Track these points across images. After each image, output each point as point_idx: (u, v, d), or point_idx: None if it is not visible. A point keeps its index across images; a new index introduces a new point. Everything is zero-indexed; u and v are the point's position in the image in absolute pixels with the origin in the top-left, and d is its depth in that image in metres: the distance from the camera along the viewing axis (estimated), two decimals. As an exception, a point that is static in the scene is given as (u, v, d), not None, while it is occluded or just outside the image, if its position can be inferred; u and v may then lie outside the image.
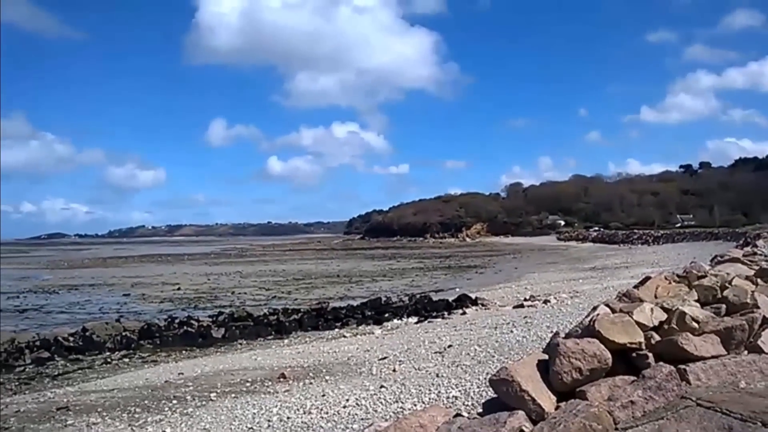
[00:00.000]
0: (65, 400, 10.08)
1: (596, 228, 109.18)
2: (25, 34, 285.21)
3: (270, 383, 9.92)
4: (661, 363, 3.48)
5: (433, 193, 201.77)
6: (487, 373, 7.84)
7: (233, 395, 9.24)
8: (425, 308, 21.28)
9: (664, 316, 3.94)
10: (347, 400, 7.74)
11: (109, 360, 15.81)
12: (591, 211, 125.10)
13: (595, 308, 4.21)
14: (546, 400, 3.26)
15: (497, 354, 9.57)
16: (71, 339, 17.43)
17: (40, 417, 8.96)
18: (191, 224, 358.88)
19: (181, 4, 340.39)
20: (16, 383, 13.42)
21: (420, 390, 7.71)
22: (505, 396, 3.37)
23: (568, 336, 3.84)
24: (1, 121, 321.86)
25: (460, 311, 19.62)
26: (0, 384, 13.41)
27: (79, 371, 14.55)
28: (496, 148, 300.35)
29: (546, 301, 17.96)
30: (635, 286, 4.96)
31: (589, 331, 3.66)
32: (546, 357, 3.58)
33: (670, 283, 5.03)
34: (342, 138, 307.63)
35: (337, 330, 18.75)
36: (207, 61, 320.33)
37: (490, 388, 6.13)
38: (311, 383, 9.56)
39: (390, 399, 7.50)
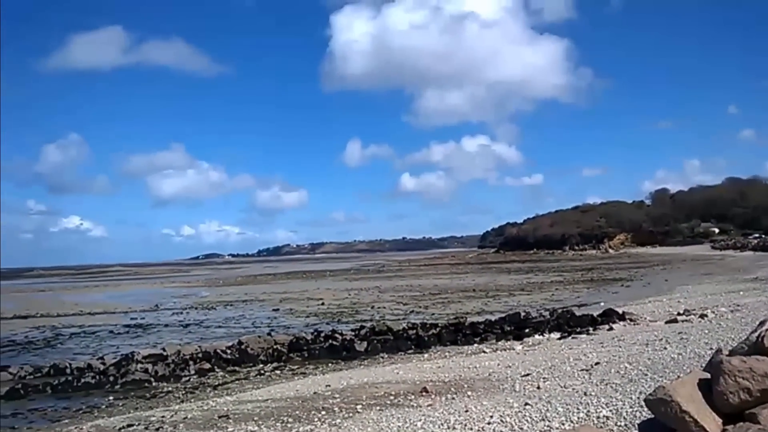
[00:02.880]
0: (225, 408, 10.81)
1: (756, 235, 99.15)
2: (182, 74, 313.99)
3: (413, 397, 10.05)
4: None
5: (570, 203, 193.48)
6: (641, 393, 7.44)
7: (378, 408, 9.46)
8: (568, 323, 20.50)
9: None
10: (491, 417, 7.65)
11: (262, 372, 16.84)
12: (749, 217, 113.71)
13: (762, 323, 3.88)
14: (710, 422, 3.06)
15: (650, 372, 9.03)
16: (228, 351, 18.77)
17: (204, 424, 9.67)
18: (332, 242, 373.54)
19: (316, 35, 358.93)
20: (183, 392, 14.69)
21: (567, 408, 7.45)
22: (663, 417, 3.21)
23: (732, 353, 3.58)
24: (164, 153, 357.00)
25: (607, 327, 18.69)
26: (169, 392, 14.77)
27: (236, 382, 15.63)
28: (637, 153, 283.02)
29: (702, 316, 16.65)
30: (810, 300, 4.50)
31: (757, 348, 3.39)
32: (707, 376, 3.37)
33: None
34: (472, 151, 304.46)
35: (476, 345, 18.61)
36: (341, 87, 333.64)
37: (645, 408, 5.81)
38: (453, 398, 9.57)
39: (536, 417, 7.32)
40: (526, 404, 8.04)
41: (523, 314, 24.36)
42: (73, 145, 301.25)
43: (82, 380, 16.12)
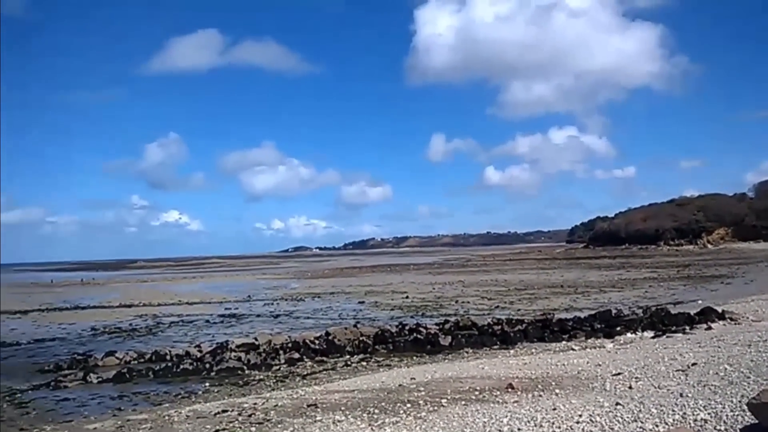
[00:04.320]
0: (314, 397, 11.09)
1: None
2: (274, 74, 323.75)
3: (498, 393, 9.96)
4: None
5: (665, 196, 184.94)
6: (743, 396, 7.07)
7: (463, 402, 9.44)
8: (662, 322, 19.64)
9: None
10: (580, 416, 7.47)
11: (349, 362, 17.17)
12: None
13: None
14: (820, 430, 2.88)
15: (753, 375, 8.51)
16: (316, 342, 19.27)
17: (294, 412, 9.96)
18: (415, 236, 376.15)
19: (401, 30, 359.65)
20: (274, 380, 15.20)
21: (661, 410, 7.17)
22: None
23: None
24: (256, 150, 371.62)
25: (705, 326, 17.79)
26: (261, 380, 15.34)
27: (324, 372, 16.01)
28: (738, 143, 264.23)
29: (814, 316, 15.51)
30: None
31: None
32: (818, 381, 3.17)
33: None
34: (560, 143, 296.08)
35: (564, 342, 18.17)
36: (425, 81, 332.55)
37: (748, 413, 5.53)
38: (540, 396, 9.41)
39: (628, 418, 7.08)
40: (618, 404, 7.80)
41: (614, 311, 23.59)
42: (173, 143, 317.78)
43: (181, 366, 17.00)
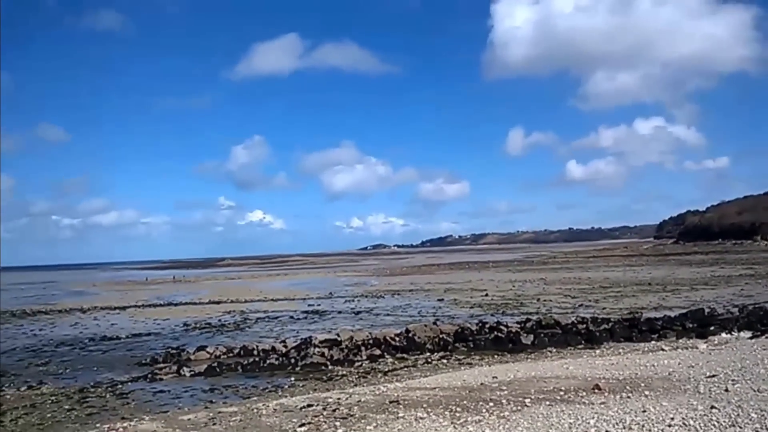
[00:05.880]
0: (395, 394, 11.17)
1: None
2: (353, 75, 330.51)
3: (584, 393, 9.74)
4: None
5: (763, 187, 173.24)
6: None
7: (547, 403, 9.29)
8: (761, 321, 18.57)
9: None
10: (672, 419, 7.22)
11: (429, 360, 17.21)
12: None
13: None
14: None
15: None
16: (397, 339, 19.42)
17: (376, 408, 10.07)
18: (494, 232, 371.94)
19: (478, 26, 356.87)
20: (356, 376, 15.45)
21: (762, 415, 6.81)
22: None
23: None
24: (336, 150, 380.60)
25: (809, 326, 16.67)
26: (344, 376, 15.62)
27: (405, 369, 16.11)
28: None
29: None
30: None
31: None
32: None
33: None
34: (646, 135, 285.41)
35: (653, 342, 17.52)
36: (503, 76, 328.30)
37: None
38: (629, 397, 9.13)
39: (725, 422, 6.78)
40: (713, 407, 7.47)
41: (707, 310, 22.51)
42: (257, 145, 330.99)
43: (268, 361, 17.53)
